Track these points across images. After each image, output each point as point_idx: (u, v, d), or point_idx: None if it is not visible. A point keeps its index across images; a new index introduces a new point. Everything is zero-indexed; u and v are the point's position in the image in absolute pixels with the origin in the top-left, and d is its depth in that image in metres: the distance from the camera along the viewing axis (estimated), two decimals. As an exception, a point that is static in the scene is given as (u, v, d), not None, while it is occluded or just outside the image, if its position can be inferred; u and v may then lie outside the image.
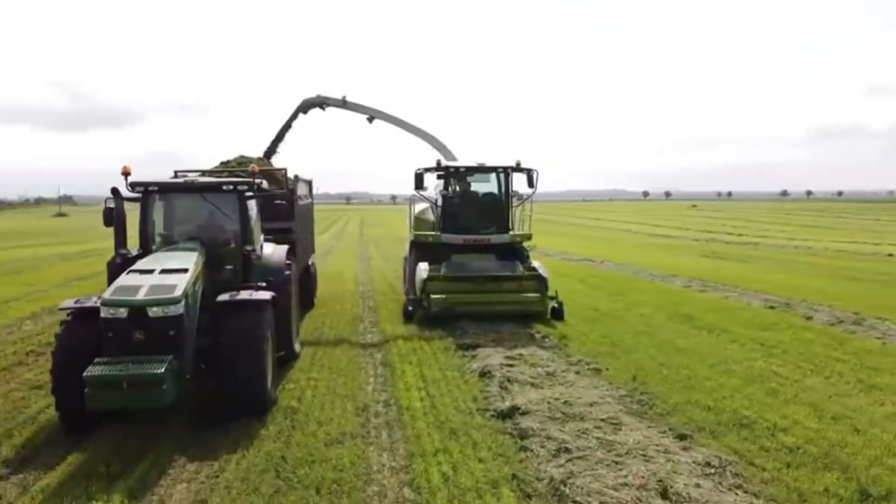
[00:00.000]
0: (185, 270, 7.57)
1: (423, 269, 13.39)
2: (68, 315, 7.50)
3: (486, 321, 12.48)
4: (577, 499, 5.54)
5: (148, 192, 8.86)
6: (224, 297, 7.97)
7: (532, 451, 6.69)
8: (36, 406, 8.08)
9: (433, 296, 12.88)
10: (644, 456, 6.48)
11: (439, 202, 14.68)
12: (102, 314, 6.96)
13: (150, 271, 7.50)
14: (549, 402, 8.05)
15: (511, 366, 9.71)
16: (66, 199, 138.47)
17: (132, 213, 8.78)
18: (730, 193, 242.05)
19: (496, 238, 14.46)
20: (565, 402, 8.11)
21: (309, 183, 15.62)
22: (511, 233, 14.67)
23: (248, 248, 8.89)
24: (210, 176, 11.47)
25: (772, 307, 14.56)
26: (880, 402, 8.07)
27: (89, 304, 7.31)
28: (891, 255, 27.89)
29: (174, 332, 7.02)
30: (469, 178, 15.29)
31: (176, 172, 11.10)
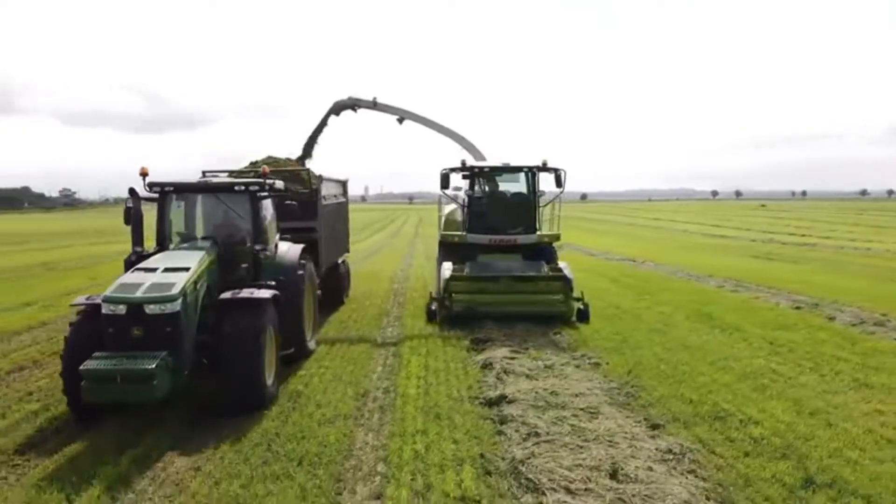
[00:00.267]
0: (187, 269, 7.82)
1: (446, 268, 13.59)
2: (79, 311, 7.87)
3: (505, 318, 12.66)
4: (530, 476, 5.99)
5: (164, 193, 9.27)
6: (226, 295, 8.22)
7: (506, 434, 7.17)
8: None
9: (455, 295, 13.04)
10: (609, 442, 6.87)
11: (465, 202, 14.91)
12: (103, 310, 7.27)
13: (154, 269, 7.79)
14: (536, 392, 8.49)
15: (513, 359, 10.16)
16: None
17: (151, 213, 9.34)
18: (804, 192, 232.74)
19: (523, 238, 14.48)
20: (553, 392, 8.53)
21: (342, 183, 16.23)
22: (538, 233, 14.68)
23: (258, 247, 9.20)
24: (237, 176, 11.97)
25: (798, 307, 14.45)
26: (866, 400, 8.15)
27: (98, 300, 7.52)
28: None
29: (171, 329, 7.26)
30: (497, 179, 15.46)
31: (204, 173, 11.73)
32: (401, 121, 17.10)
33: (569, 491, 5.70)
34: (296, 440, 7.00)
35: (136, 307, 7.19)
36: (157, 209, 9.35)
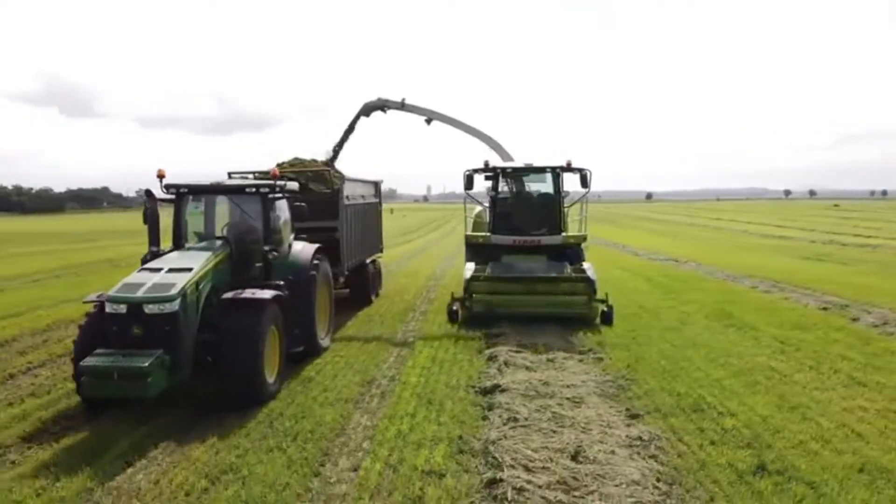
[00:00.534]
0: (189, 270, 8.09)
1: (468, 268, 13.84)
2: (90, 308, 8.28)
3: (526, 319, 12.67)
4: (496, 455, 6.48)
5: (179, 194, 9.72)
6: (228, 294, 8.48)
7: (489, 419, 7.67)
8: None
9: (475, 296, 13.16)
10: (583, 428, 7.30)
11: (487, 203, 15.15)
12: (106, 309, 7.61)
13: (158, 270, 8.09)
14: (530, 383, 8.94)
15: (518, 352, 10.60)
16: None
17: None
18: (884, 192, 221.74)
19: (547, 239, 14.43)
20: (545, 383, 8.97)
21: (374, 184, 16.73)
22: (563, 234, 14.61)
23: (267, 247, 9.53)
24: (260, 177, 12.25)
25: (825, 308, 14.32)
26: (853, 397, 8.26)
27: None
28: None
29: (169, 328, 7.53)
30: (525, 179, 15.54)
31: (230, 174, 12.28)
32: (429, 121, 17.30)
33: (527, 469, 6.17)
34: (295, 419, 7.70)
35: (136, 307, 7.52)
36: (173, 210, 9.86)
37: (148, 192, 9.58)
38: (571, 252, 14.72)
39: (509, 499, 5.54)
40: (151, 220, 9.42)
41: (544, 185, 15.38)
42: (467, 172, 14.52)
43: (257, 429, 7.43)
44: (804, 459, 6.37)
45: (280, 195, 10.11)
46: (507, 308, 13.04)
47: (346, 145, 17.30)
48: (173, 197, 9.81)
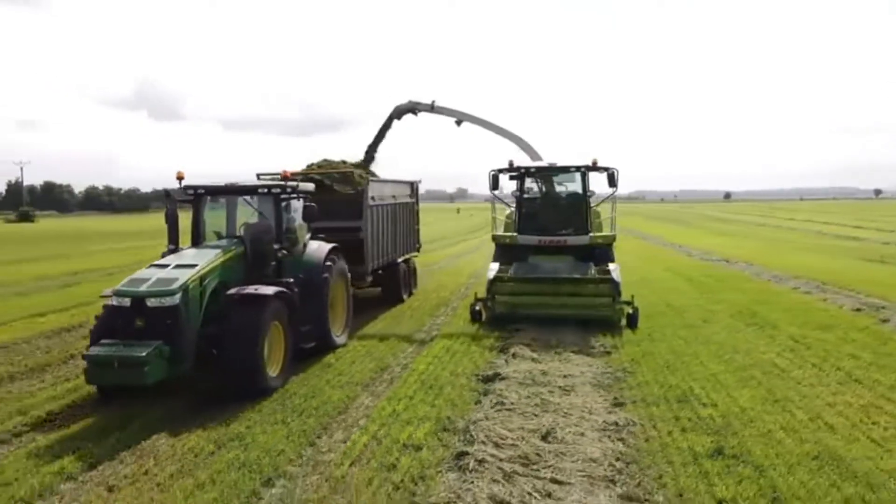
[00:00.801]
0: (194, 266, 8.48)
1: (492, 269, 14.00)
2: (109, 301, 8.51)
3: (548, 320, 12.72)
4: (473, 433, 7.08)
5: (198, 195, 10.15)
6: (232, 290, 8.81)
7: (480, 403, 8.27)
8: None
9: (498, 297, 13.22)
10: (565, 413, 7.81)
11: (513, 204, 15.33)
12: (112, 302, 8.05)
13: (166, 266, 8.53)
14: (530, 373, 9.48)
15: (528, 344, 11.12)
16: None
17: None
18: None
19: (574, 239, 14.36)
20: (544, 372, 9.49)
21: (410, 184, 17.31)
22: (591, 234, 14.52)
23: (277, 245, 9.92)
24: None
25: (858, 310, 14.15)
26: (842, 393, 8.40)
27: None
28: None
29: (170, 321, 7.93)
30: (554, 179, 15.62)
31: (258, 175, 12.78)
32: (459, 123, 17.66)
33: (496, 445, 6.75)
34: (305, 398, 8.53)
35: (139, 300, 7.99)
36: (192, 210, 10.35)
37: (167, 193, 10.28)
38: (600, 252, 14.58)
39: (470, 468, 6.15)
40: (171, 221, 10.05)
41: (571, 185, 15.42)
42: (492, 172, 14.53)
43: (268, 405, 8.28)
44: (762, 446, 6.68)
45: (292, 196, 10.48)
46: (529, 309, 13.11)
47: (381, 147, 17.73)
48: (191, 198, 10.31)
